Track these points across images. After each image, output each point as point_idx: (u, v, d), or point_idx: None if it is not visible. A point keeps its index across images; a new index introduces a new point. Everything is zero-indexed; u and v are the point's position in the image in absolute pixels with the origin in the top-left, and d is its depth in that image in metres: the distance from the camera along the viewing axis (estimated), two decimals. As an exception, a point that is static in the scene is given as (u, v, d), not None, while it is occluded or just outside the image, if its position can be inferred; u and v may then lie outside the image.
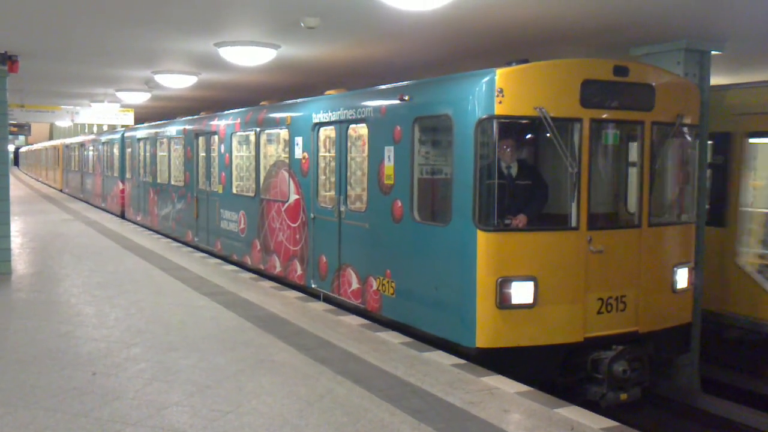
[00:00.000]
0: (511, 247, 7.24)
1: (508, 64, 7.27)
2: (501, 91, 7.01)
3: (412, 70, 12.75)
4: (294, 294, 10.49)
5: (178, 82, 14.41)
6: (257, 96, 18.04)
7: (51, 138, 54.74)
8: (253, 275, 12.04)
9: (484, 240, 7.13)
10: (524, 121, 7.59)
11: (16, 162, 77.96)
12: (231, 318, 8.93)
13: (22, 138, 55.53)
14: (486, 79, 7.12)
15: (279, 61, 11.80)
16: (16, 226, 18.04)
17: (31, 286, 11.17)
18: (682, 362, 9.43)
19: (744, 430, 8.39)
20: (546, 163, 8.58)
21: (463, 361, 7.18)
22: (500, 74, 7.07)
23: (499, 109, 7.04)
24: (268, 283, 11.32)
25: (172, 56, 12.15)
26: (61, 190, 37.43)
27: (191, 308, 9.47)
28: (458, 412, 5.80)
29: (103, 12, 8.68)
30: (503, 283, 7.06)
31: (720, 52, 9.53)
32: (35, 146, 58.46)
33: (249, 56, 10.80)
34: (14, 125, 26.99)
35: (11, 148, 52.90)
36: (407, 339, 7.99)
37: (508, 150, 7.78)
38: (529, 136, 8.47)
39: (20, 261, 13.34)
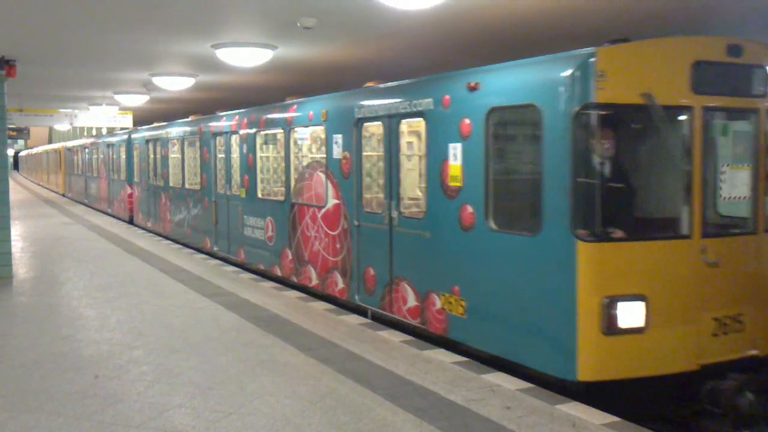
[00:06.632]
0: (618, 261, 6.14)
1: (611, 42, 6.19)
2: (603, 74, 5.93)
3: (411, 70, 12.76)
4: (295, 294, 10.49)
5: (176, 84, 14.46)
6: (256, 97, 18.06)
7: (50, 142, 54.78)
8: (254, 276, 12.04)
9: (585, 252, 6.03)
10: (630, 111, 6.45)
11: (15, 166, 78.16)
12: (232, 319, 8.95)
13: (21, 142, 55.62)
14: (584, 60, 6.02)
15: (276, 62, 11.82)
16: (16, 231, 18.05)
17: (33, 290, 11.18)
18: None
19: None
20: (649, 160, 7.41)
21: (464, 359, 7.16)
22: (602, 54, 5.98)
23: (600, 97, 5.95)
24: (268, 284, 11.32)
25: (169, 58, 12.17)
26: (63, 195, 37.07)
27: (192, 310, 9.49)
28: (460, 409, 5.80)
29: (100, 15, 8.70)
30: (609, 304, 6.00)
31: None
32: (35, 150, 58.25)
33: (246, 57, 10.83)
34: (13, 129, 27.02)
35: (10, 152, 52.99)
36: (408, 337, 8.00)
37: (613, 145, 6.75)
38: (636, 127, 7.30)
39: (21, 265, 13.35)
